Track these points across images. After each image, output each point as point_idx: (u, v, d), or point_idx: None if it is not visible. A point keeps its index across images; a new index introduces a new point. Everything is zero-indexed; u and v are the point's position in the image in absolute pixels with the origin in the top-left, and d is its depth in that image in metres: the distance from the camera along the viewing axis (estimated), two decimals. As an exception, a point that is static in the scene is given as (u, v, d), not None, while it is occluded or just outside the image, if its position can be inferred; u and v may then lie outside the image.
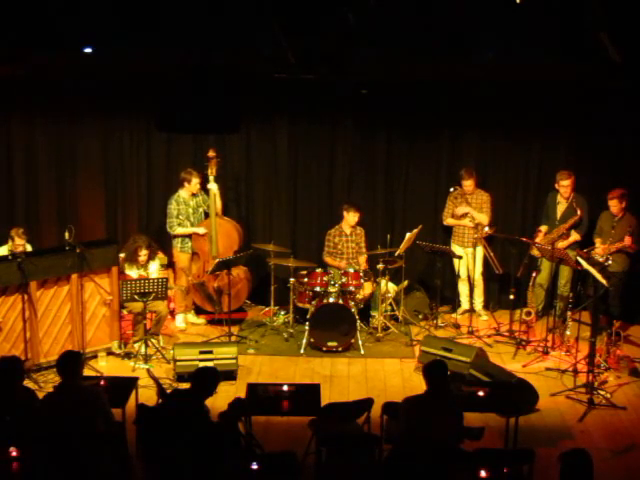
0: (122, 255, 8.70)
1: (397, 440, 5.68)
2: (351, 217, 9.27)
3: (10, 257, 7.79)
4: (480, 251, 9.32)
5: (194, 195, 9.25)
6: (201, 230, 9.23)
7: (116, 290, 8.32)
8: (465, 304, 9.68)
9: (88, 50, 7.76)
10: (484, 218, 9.31)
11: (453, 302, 9.82)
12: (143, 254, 8.61)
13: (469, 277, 9.55)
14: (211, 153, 9.15)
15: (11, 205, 9.79)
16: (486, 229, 9.23)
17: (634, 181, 9.13)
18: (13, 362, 5.85)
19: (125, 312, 8.62)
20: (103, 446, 5.49)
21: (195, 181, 9.13)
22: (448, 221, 9.56)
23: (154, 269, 8.77)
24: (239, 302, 9.48)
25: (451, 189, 9.33)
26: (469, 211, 9.29)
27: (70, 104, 9.54)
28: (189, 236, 9.26)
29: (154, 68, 8.26)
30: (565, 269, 9.12)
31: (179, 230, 9.19)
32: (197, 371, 5.83)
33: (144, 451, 5.87)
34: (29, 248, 8.48)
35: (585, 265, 7.82)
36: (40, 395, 5.97)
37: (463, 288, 9.65)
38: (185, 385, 7.09)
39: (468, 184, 9.30)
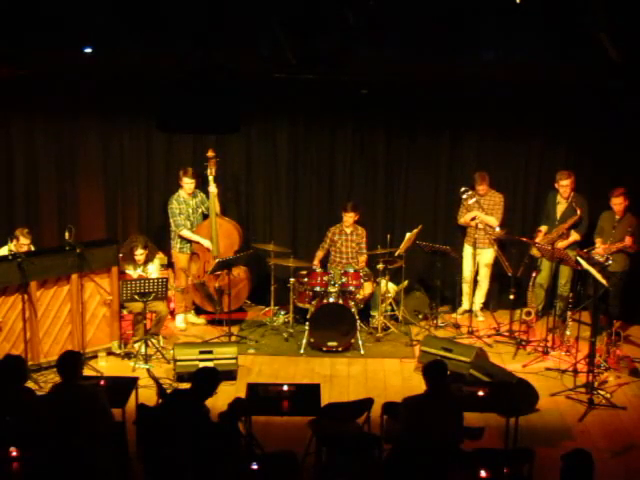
0: (121, 255, 8.71)
1: (397, 440, 5.68)
2: (346, 218, 9.24)
3: (10, 257, 7.79)
4: (489, 252, 9.31)
5: (193, 195, 9.23)
6: (207, 243, 9.20)
7: (116, 290, 8.31)
8: (466, 304, 9.67)
9: (88, 50, 7.77)
10: (493, 220, 9.29)
11: (453, 302, 9.82)
12: (139, 254, 8.61)
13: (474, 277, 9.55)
14: (210, 153, 9.14)
15: (11, 205, 9.78)
16: (497, 229, 9.22)
17: (634, 181, 9.12)
18: (16, 362, 5.85)
19: (125, 312, 8.62)
20: (103, 446, 5.49)
21: (186, 180, 9.05)
22: (461, 221, 9.55)
23: (153, 269, 8.77)
24: (239, 302, 9.48)
25: (462, 189, 9.27)
26: (477, 215, 9.27)
27: (70, 104, 9.53)
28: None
29: (154, 68, 8.26)
30: (565, 269, 9.12)
31: (185, 233, 9.16)
32: (197, 371, 5.82)
33: (144, 451, 5.87)
34: (33, 249, 8.44)
35: (585, 265, 7.82)
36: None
37: (466, 288, 9.64)
38: (185, 385, 7.09)
39: (481, 188, 9.29)
